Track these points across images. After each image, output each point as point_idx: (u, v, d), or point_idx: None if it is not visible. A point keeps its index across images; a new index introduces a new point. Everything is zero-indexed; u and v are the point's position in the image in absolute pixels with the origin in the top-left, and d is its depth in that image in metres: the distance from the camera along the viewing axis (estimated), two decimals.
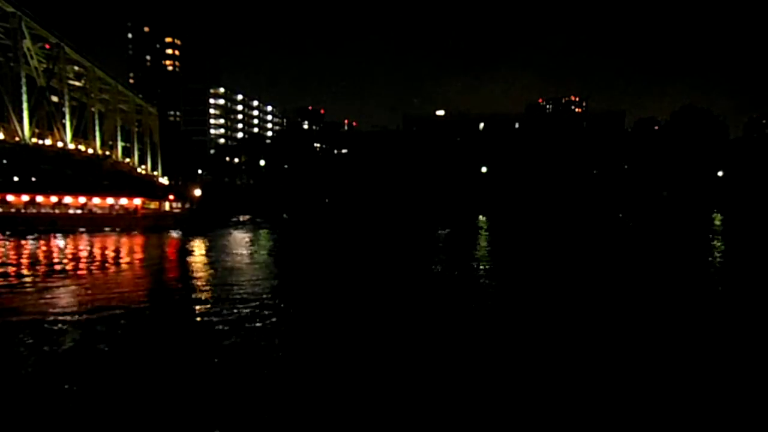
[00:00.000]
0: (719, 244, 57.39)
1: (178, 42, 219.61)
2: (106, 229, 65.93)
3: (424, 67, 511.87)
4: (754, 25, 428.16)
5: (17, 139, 59.11)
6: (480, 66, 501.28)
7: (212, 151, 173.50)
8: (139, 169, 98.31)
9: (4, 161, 79.48)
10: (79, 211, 70.24)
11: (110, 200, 71.58)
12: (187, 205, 79.60)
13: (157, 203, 75.88)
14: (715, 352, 19.28)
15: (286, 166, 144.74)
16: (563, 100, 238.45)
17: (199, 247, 51.31)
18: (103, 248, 49.41)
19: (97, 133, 79.08)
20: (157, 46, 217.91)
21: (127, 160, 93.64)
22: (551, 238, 62.11)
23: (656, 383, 16.10)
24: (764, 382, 16.46)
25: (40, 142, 66.04)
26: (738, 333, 21.89)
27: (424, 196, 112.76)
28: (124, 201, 72.14)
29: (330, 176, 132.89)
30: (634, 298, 28.18)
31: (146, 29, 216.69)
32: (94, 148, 77.80)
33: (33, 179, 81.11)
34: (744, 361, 18.34)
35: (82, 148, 74.08)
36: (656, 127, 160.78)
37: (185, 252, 47.88)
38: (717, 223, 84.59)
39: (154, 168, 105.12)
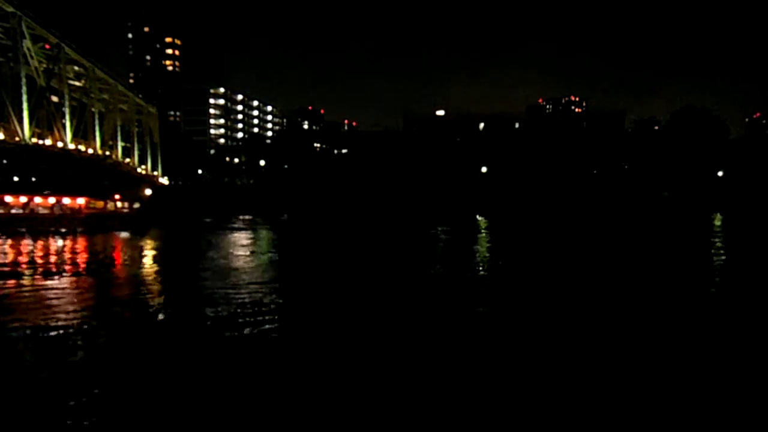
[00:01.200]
0: (720, 243, 57.37)
1: (178, 42, 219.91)
2: (52, 229, 63.81)
3: (424, 67, 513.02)
4: (753, 26, 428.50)
5: (17, 139, 59.04)
6: (480, 66, 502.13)
7: (212, 151, 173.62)
8: (139, 169, 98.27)
9: (4, 161, 79.53)
10: (21, 211, 68.92)
11: (52, 200, 70.02)
12: (136, 205, 78.29)
13: (102, 203, 74.54)
14: (714, 351, 19.27)
15: (286, 166, 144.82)
16: (563, 100, 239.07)
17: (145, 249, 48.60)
18: (35, 250, 46.97)
19: (97, 133, 78.97)
20: (157, 46, 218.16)
21: (128, 160, 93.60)
22: (551, 237, 62.08)
23: (656, 382, 16.09)
24: (764, 382, 16.45)
25: (40, 142, 65.92)
26: (737, 333, 21.87)
27: (424, 196, 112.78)
28: (67, 200, 70.52)
29: (330, 176, 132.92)
30: (633, 297, 28.15)
31: (146, 29, 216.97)
32: (94, 148, 77.71)
33: (33, 179, 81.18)
34: (743, 360, 18.33)
35: (82, 148, 73.95)
36: (656, 127, 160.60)
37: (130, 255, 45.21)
38: (717, 223, 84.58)
39: (154, 168, 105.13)
